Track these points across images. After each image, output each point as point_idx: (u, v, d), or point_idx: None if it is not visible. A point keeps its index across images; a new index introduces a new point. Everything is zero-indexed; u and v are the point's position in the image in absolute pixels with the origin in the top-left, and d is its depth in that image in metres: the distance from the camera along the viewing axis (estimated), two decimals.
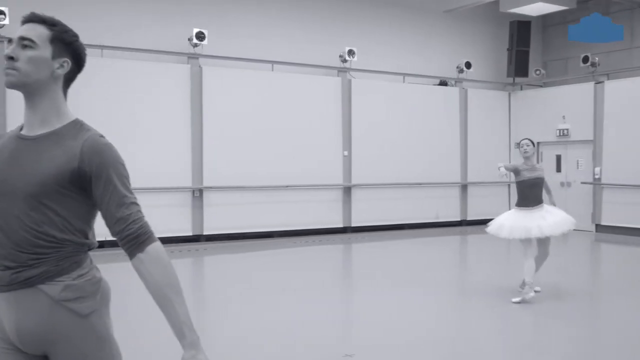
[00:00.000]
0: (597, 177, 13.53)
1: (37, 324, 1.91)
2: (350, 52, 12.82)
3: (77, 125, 1.99)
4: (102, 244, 10.09)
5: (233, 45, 11.96)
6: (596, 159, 13.56)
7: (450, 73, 14.64)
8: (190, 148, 11.37)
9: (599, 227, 13.42)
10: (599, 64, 13.65)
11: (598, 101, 13.53)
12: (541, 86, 15.47)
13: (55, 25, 1.99)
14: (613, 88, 13.31)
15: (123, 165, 1.97)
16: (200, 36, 11.22)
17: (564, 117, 14.18)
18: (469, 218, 14.61)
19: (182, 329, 1.87)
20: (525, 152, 6.89)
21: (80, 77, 2.09)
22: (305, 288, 7.63)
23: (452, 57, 14.72)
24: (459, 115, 14.59)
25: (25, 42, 1.94)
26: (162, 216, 10.75)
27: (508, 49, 15.16)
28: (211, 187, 11.47)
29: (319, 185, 12.62)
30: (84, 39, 2.12)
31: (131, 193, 1.95)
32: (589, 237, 12.85)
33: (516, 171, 6.91)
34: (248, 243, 11.45)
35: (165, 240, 10.96)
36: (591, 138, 13.63)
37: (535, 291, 6.78)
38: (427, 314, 6.39)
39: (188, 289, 8.09)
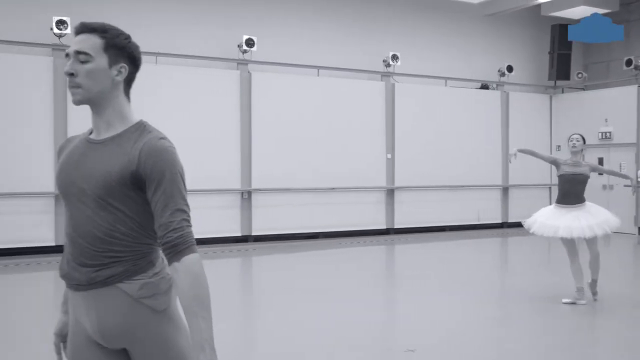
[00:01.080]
0: None
1: (118, 321, 1.98)
2: (394, 57, 13.07)
3: (140, 128, 2.02)
4: None
5: (280, 51, 12.31)
6: (639, 161, 13.57)
7: (492, 76, 14.78)
8: (240, 151, 11.74)
9: None
10: None
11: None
12: (583, 89, 15.49)
13: (106, 32, 2.00)
14: None
15: (179, 170, 1.96)
16: (249, 43, 11.59)
17: (606, 120, 14.21)
18: (510, 220, 14.73)
19: (202, 344, 1.84)
20: (574, 147, 6.71)
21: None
22: (352, 288, 7.91)
23: (494, 60, 14.86)
24: (500, 118, 14.73)
25: (81, 56, 1.96)
26: (212, 217, 11.18)
27: (549, 52, 15.23)
28: (259, 189, 11.83)
29: (363, 187, 12.90)
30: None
31: (182, 199, 1.94)
32: (632, 240, 12.89)
33: (555, 163, 6.83)
34: (295, 244, 11.78)
35: (215, 241, 11.45)
36: (634, 141, 13.65)
37: (581, 303, 6.61)
38: (473, 315, 6.60)
39: (236, 288, 8.45)
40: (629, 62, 13.80)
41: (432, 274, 9.10)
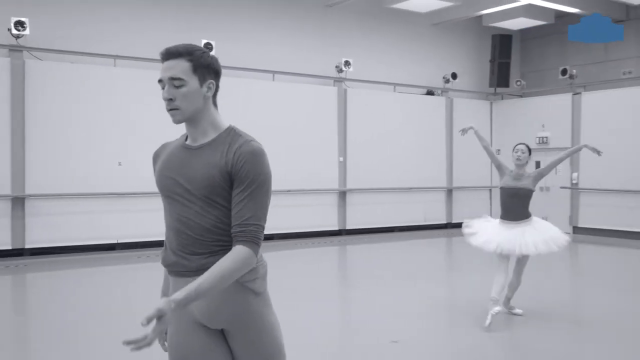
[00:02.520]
0: (574, 182, 14.44)
1: (226, 301, 2.21)
2: (347, 63, 13.49)
3: (231, 132, 2.26)
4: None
5: (237, 56, 12.49)
6: (574, 165, 14.46)
7: (437, 83, 15.41)
8: None
9: (576, 229, 14.31)
10: (576, 76, 14.56)
11: (575, 111, 14.44)
12: (521, 96, 16.35)
13: (191, 54, 2.19)
14: (589, 99, 14.23)
15: (266, 171, 2.20)
16: (207, 47, 11.74)
17: (543, 125, 15.06)
18: (454, 221, 15.38)
19: (189, 288, 2.00)
20: (518, 160, 6.11)
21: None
22: (315, 288, 8.21)
23: (439, 68, 15.50)
24: (445, 123, 15.37)
25: (175, 82, 2.17)
26: None
27: (490, 61, 16.00)
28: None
29: (317, 189, 13.23)
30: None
31: (263, 201, 2.18)
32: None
33: (500, 169, 6.25)
34: None
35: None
36: (569, 145, 14.50)
37: (516, 314, 6.41)
38: (439, 308, 7.03)
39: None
40: (564, 72, 14.67)
41: (388, 271, 9.52)
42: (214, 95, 2.29)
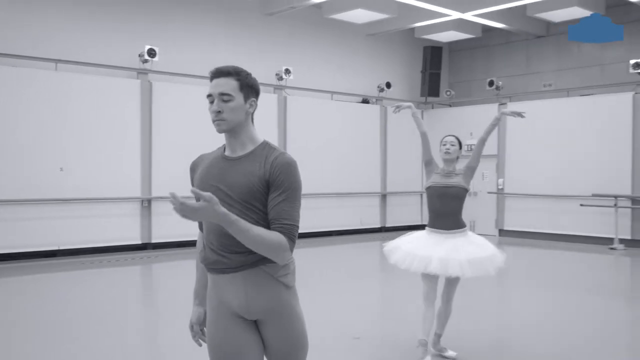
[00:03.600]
0: (500, 187, 15.29)
1: (262, 295, 2.48)
2: (287, 71, 13.81)
3: (266, 146, 2.54)
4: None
5: (181, 62, 12.61)
6: (499, 171, 15.32)
7: (373, 92, 15.97)
8: (140, 158, 11.87)
9: (502, 232, 15.17)
10: (502, 87, 15.44)
11: (502, 120, 15.26)
12: (450, 105, 17.14)
13: (239, 74, 2.51)
14: (514, 109, 15.09)
15: (298, 179, 2.45)
16: (151, 52, 11.78)
17: (471, 133, 15.82)
18: (388, 225, 15.95)
19: (233, 217, 2.25)
20: (447, 153, 5.05)
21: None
22: None
23: (374, 77, 16.08)
24: (379, 130, 15.93)
25: (224, 97, 2.47)
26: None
27: (422, 71, 16.71)
28: (159, 197, 12.01)
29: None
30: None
31: (297, 206, 2.45)
32: (494, 240, 14.50)
33: (429, 165, 5.17)
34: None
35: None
36: (495, 153, 15.36)
37: (449, 357, 5.19)
38: (392, 305, 7.42)
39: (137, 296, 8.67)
40: (491, 83, 15.52)
41: (334, 273, 9.90)
42: (253, 113, 2.59)
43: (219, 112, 2.49)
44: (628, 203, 13.04)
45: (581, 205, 13.49)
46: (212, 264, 2.54)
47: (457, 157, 5.13)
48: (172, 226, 12.11)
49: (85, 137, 11.15)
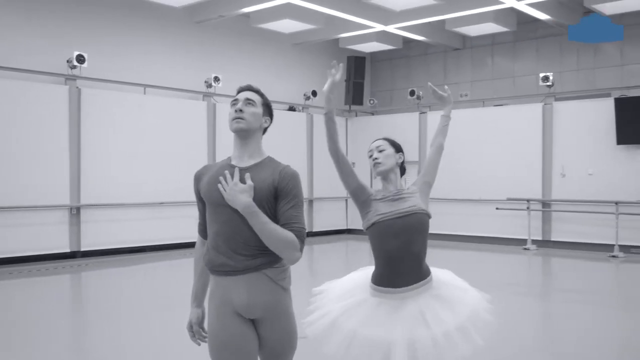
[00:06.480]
0: None
1: (263, 296, 2.71)
2: (216, 79, 13.98)
3: (272, 160, 2.84)
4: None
5: (109, 69, 12.54)
6: None
7: (299, 100, 16.35)
8: (69, 166, 11.72)
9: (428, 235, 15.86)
10: (422, 97, 16.17)
11: (422, 128, 16.03)
12: (373, 114, 17.76)
13: (262, 94, 2.91)
14: (434, 118, 15.86)
15: (301, 189, 2.77)
16: (80, 59, 11.67)
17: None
18: (315, 229, 16.34)
19: (257, 210, 2.60)
20: (377, 164, 3.31)
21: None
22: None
23: (300, 85, 16.47)
24: (306, 137, 16.31)
25: (249, 102, 2.81)
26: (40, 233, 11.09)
27: (346, 80, 17.20)
28: (88, 205, 11.88)
29: (186, 201, 13.52)
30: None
31: (302, 211, 2.74)
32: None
33: (360, 193, 3.26)
34: (122, 258, 12.03)
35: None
36: (417, 159, 16.07)
37: None
38: None
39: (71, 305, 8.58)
40: (412, 92, 16.23)
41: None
42: (263, 133, 2.91)
43: (241, 111, 2.79)
44: (539, 206, 13.99)
45: (497, 208, 14.36)
46: (218, 266, 2.74)
47: (397, 165, 3.38)
48: (101, 234, 12.07)
49: (12, 143, 10.93)
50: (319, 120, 16.65)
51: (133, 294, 8.89)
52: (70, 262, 11.43)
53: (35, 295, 8.81)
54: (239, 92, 2.89)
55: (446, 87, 3.80)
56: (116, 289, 9.39)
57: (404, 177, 3.46)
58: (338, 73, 3.03)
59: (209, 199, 2.80)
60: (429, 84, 3.87)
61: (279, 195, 2.72)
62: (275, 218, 2.71)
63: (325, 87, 3.05)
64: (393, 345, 2.95)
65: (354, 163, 16.47)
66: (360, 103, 17.24)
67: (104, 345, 6.15)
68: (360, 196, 3.25)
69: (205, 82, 13.99)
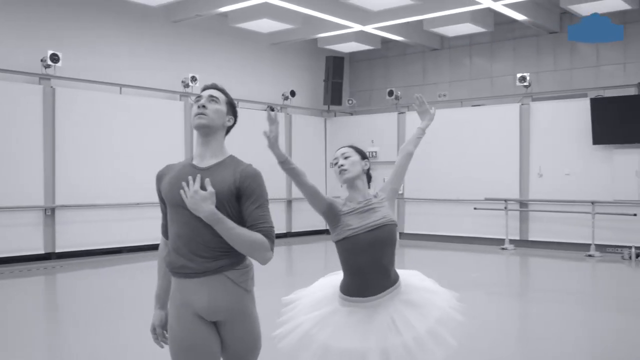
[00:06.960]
0: (400, 192, 16.02)
1: (223, 299, 2.65)
2: (193, 78, 13.86)
3: (234, 159, 2.77)
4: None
5: (84, 68, 12.38)
6: None
7: (277, 100, 16.27)
8: (43, 167, 11.54)
9: (402, 235, 15.86)
10: (401, 97, 16.20)
11: (401, 128, 16.05)
12: (351, 114, 17.75)
13: (226, 93, 2.84)
14: (412, 118, 15.89)
15: (265, 188, 2.72)
16: (54, 58, 11.50)
17: (372, 141, 16.51)
18: (294, 230, 16.28)
19: (221, 217, 2.56)
20: (343, 171, 3.27)
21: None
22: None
23: (279, 85, 16.40)
24: (284, 138, 16.23)
25: (213, 98, 2.75)
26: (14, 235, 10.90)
27: (324, 80, 17.20)
28: (64, 206, 11.71)
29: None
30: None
31: (267, 209, 2.70)
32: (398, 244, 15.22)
33: (330, 213, 3.18)
34: (98, 259, 11.88)
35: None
36: (394, 160, 16.06)
37: None
38: None
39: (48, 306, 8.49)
40: (390, 93, 16.24)
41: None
42: (227, 132, 2.86)
43: (204, 107, 2.72)
44: (516, 206, 14.08)
45: (475, 208, 14.42)
46: (178, 268, 2.69)
47: (363, 172, 3.33)
48: (76, 235, 11.90)
49: None
50: (297, 121, 16.63)
51: (108, 296, 8.77)
52: (44, 264, 11.25)
53: (9, 297, 8.65)
54: (203, 90, 2.84)
55: (434, 108, 3.86)
56: (91, 290, 9.26)
57: (371, 184, 3.41)
58: (273, 132, 2.82)
59: (169, 200, 2.74)
60: (419, 95, 3.89)
61: (242, 196, 2.67)
62: (238, 218, 2.67)
63: (267, 144, 2.84)
64: (367, 356, 2.95)
65: (332, 163, 16.57)
66: (339, 103, 17.22)
67: (78, 347, 6.06)
68: (330, 215, 3.20)
69: (182, 82, 13.86)
